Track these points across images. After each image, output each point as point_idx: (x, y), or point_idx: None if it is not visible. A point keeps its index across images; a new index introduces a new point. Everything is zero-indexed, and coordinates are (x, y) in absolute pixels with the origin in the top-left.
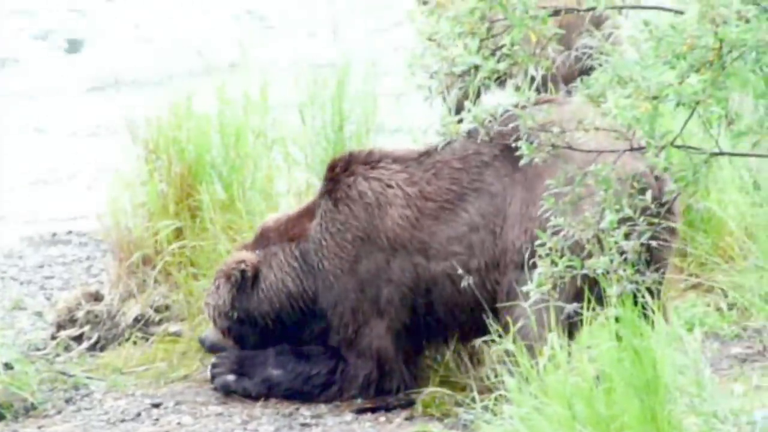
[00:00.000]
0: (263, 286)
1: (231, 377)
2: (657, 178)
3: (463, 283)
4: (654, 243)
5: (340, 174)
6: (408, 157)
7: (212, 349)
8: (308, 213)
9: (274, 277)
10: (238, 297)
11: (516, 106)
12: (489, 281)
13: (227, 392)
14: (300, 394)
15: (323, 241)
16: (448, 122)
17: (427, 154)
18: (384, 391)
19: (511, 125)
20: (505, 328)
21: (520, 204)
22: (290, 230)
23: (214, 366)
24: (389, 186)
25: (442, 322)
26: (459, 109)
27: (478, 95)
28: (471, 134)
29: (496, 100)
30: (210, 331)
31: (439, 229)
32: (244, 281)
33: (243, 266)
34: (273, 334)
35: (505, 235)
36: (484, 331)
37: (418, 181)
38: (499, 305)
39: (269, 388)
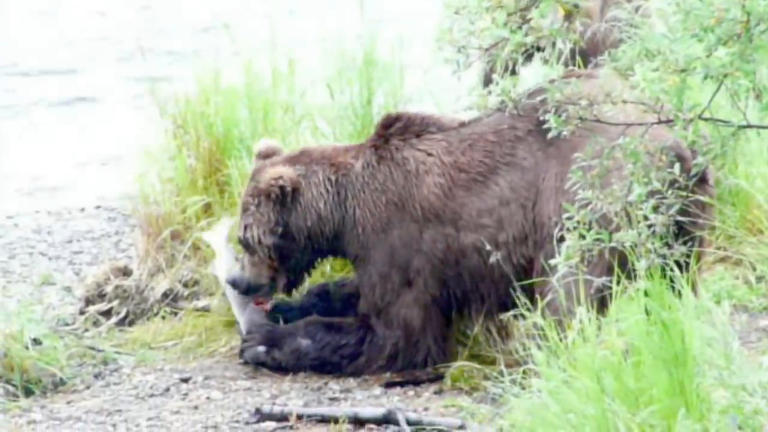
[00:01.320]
0: (301, 201)
1: (261, 348)
2: (692, 149)
3: (492, 259)
4: (683, 218)
5: (392, 135)
6: (450, 125)
7: (251, 288)
8: (354, 152)
9: (311, 195)
10: (281, 212)
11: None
12: (516, 255)
13: (257, 363)
14: (328, 364)
15: (360, 192)
16: (477, 95)
17: (467, 124)
18: (411, 364)
19: (543, 98)
20: (536, 303)
21: (555, 178)
22: (334, 157)
23: (244, 340)
24: (430, 154)
25: (470, 295)
26: (487, 82)
27: (513, 68)
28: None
29: (533, 73)
30: (246, 270)
31: (470, 201)
32: (284, 196)
33: (281, 182)
34: (311, 254)
35: (540, 210)
36: (512, 305)
37: (454, 150)
38: (530, 280)
39: (298, 358)
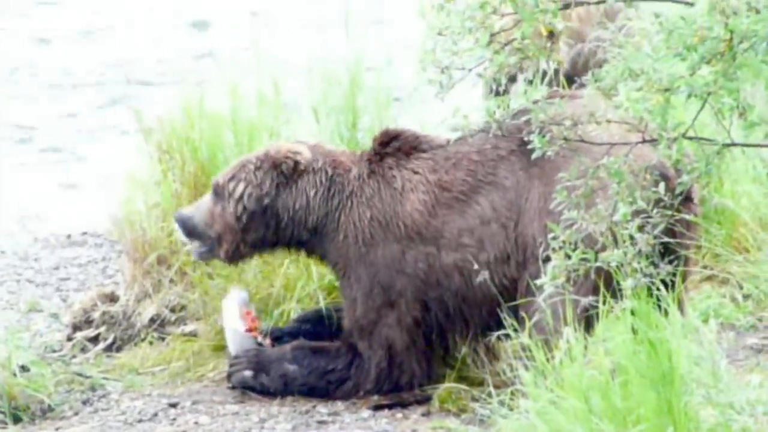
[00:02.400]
0: (299, 183)
1: (248, 373)
2: (677, 168)
3: (479, 279)
4: (668, 237)
5: (388, 153)
6: (438, 143)
7: (190, 231)
8: (355, 159)
9: (307, 180)
10: (278, 185)
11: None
12: (498, 275)
13: (245, 388)
14: (316, 389)
15: (347, 200)
16: (462, 116)
17: (453, 143)
18: (398, 386)
19: (526, 119)
20: (521, 323)
21: (538, 198)
22: (337, 156)
23: (231, 364)
24: (416, 173)
25: (453, 317)
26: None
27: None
28: (488, 129)
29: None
30: (198, 212)
31: (452, 219)
32: (294, 171)
33: (298, 157)
34: (274, 237)
35: (523, 230)
36: (496, 326)
37: (439, 169)
38: (515, 300)
39: (286, 383)
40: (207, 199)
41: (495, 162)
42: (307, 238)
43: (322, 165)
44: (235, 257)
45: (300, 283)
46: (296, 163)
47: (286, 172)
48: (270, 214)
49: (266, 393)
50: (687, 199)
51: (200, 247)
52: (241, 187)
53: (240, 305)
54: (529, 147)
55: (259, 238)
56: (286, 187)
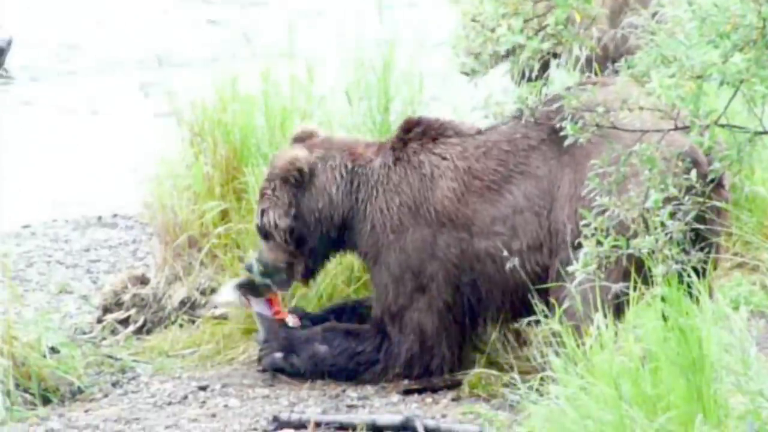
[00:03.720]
0: (316, 183)
1: (279, 355)
2: (708, 155)
3: (508, 265)
4: (700, 224)
5: (411, 138)
6: (467, 131)
7: (267, 271)
8: (375, 149)
9: (325, 178)
10: (295, 194)
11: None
12: (530, 263)
13: (275, 370)
14: (345, 370)
15: (373, 189)
16: (494, 103)
17: (483, 132)
18: (428, 370)
19: (556, 106)
20: (552, 309)
21: (569, 185)
22: (354, 148)
23: (262, 348)
24: (444, 158)
25: (485, 301)
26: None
27: (530, 76)
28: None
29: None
30: (264, 254)
31: (483, 208)
32: (302, 178)
33: (298, 164)
34: (324, 242)
35: (555, 217)
36: (527, 311)
37: (469, 156)
38: (545, 286)
39: (315, 364)
40: (261, 242)
41: (526, 152)
42: (339, 232)
43: (340, 160)
44: (310, 274)
45: (342, 266)
46: (300, 170)
47: (295, 181)
48: (303, 223)
49: (296, 374)
50: (718, 185)
51: (279, 280)
52: (271, 214)
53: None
54: (561, 134)
55: (315, 248)
56: (304, 192)
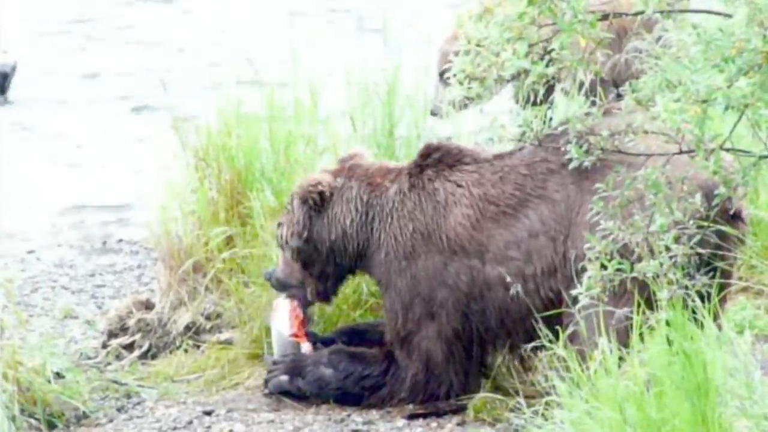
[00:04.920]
0: (329, 213)
1: (284, 377)
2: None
3: (512, 291)
4: (706, 248)
5: (428, 165)
6: (484, 158)
7: (279, 285)
8: (394, 175)
9: (339, 210)
10: (311, 218)
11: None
12: (544, 288)
13: (281, 393)
14: (350, 394)
15: (388, 216)
16: (498, 126)
17: (500, 156)
18: (433, 396)
19: (562, 130)
20: (558, 335)
21: (589, 213)
22: (373, 177)
23: (269, 370)
24: (459, 186)
25: (495, 330)
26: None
27: (535, 100)
28: (542, 141)
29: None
30: (279, 267)
31: (498, 233)
32: (323, 202)
33: (320, 188)
34: (334, 268)
35: (573, 244)
36: (535, 338)
37: (485, 183)
38: (554, 312)
39: (321, 387)
40: (280, 252)
41: (545, 175)
42: (352, 262)
43: (357, 192)
44: (324, 296)
45: (349, 289)
46: (321, 193)
47: (313, 206)
48: (312, 247)
49: (302, 397)
50: (735, 217)
51: (297, 296)
52: (284, 230)
53: (291, 310)
54: (566, 158)
55: (324, 273)
56: (318, 218)
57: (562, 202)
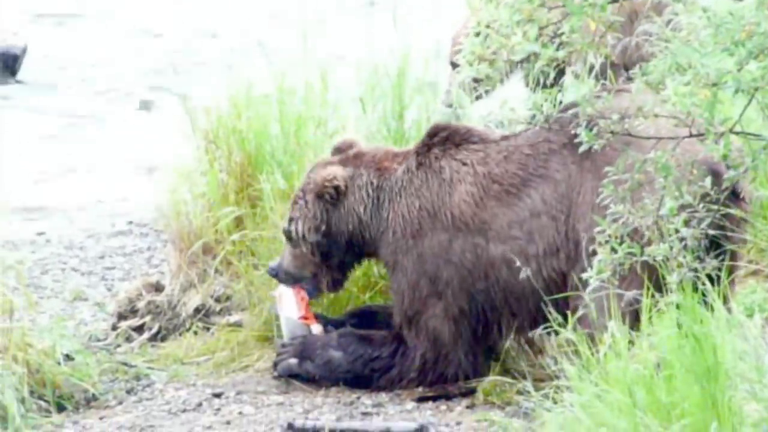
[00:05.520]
0: (345, 204)
1: (294, 360)
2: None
3: (522, 275)
4: (715, 231)
5: (435, 144)
6: (491, 138)
7: (290, 278)
8: (401, 157)
9: (353, 199)
10: (328, 211)
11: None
12: (547, 269)
13: (290, 376)
14: (360, 377)
15: (396, 196)
16: (508, 109)
17: (507, 137)
18: (442, 377)
19: (572, 112)
20: (568, 317)
21: (590, 192)
22: (381, 162)
23: (278, 353)
24: (464, 164)
25: (500, 309)
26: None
27: (545, 83)
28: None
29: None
30: (286, 260)
31: (501, 212)
32: (338, 195)
33: (336, 182)
34: (352, 256)
35: (575, 224)
36: (544, 320)
37: (490, 161)
38: (561, 295)
39: (330, 370)
40: (286, 246)
41: (547, 155)
42: (369, 246)
43: (367, 178)
44: (337, 284)
45: (359, 272)
46: (336, 188)
47: (329, 200)
48: (332, 240)
49: (311, 380)
50: (736, 196)
51: (307, 288)
52: (300, 225)
53: (296, 293)
54: (576, 141)
55: (341, 261)
56: (335, 210)
57: (563, 181)
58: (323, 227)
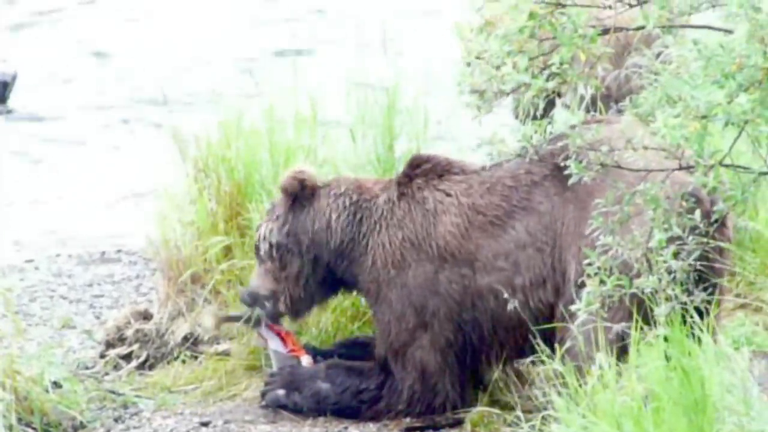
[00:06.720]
0: (315, 205)
1: (281, 392)
2: (710, 194)
3: (510, 306)
4: (702, 264)
5: (417, 175)
6: (472, 168)
7: (250, 298)
8: (382, 185)
9: (326, 203)
10: (292, 209)
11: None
12: (534, 300)
13: (277, 407)
14: (347, 408)
15: (377, 224)
16: (498, 141)
17: (487, 168)
18: (430, 408)
19: (560, 144)
20: (555, 349)
21: (574, 223)
22: (362, 184)
23: (266, 383)
24: (448, 195)
25: (487, 339)
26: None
27: (535, 114)
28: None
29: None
30: (251, 281)
31: (486, 243)
32: (303, 190)
33: (301, 176)
34: (314, 266)
35: (560, 254)
36: (531, 351)
37: (473, 193)
38: (549, 326)
39: (318, 402)
40: (256, 267)
41: (529, 187)
42: (333, 262)
43: (346, 190)
44: (295, 307)
45: (335, 300)
46: (302, 181)
47: (293, 192)
48: (294, 241)
49: (299, 411)
50: (721, 225)
51: (267, 311)
52: (263, 228)
53: (276, 330)
54: (566, 172)
55: (300, 272)
56: (302, 210)
57: (546, 213)
58: (286, 227)
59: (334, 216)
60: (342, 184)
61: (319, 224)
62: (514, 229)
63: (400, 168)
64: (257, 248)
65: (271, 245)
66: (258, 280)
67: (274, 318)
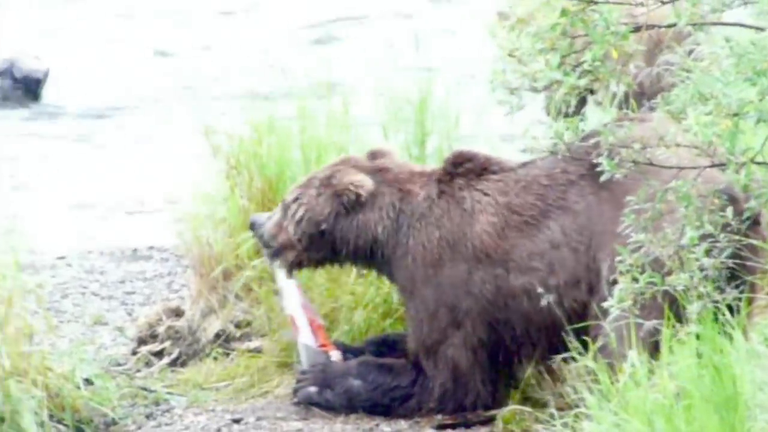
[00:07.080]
0: (360, 218)
1: (313, 389)
2: (743, 191)
3: (544, 301)
4: (734, 261)
5: (458, 173)
6: (509, 167)
7: (261, 241)
8: (424, 180)
9: (372, 216)
10: (337, 214)
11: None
12: (568, 299)
13: (309, 404)
14: (379, 405)
15: (417, 222)
16: (531, 137)
17: (524, 166)
18: (462, 406)
19: (592, 141)
20: (587, 346)
21: (609, 222)
22: (404, 183)
23: (298, 380)
24: (486, 194)
25: (520, 339)
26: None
27: (567, 111)
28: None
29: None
30: (268, 225)
31: (521, 243)
32: (355, 204)
33: (361, 191)
34: (336, 259)
35: (595, 254)
36: (564, 350)
37: (509, 191)
38: (582, 325)
39: (350, 399)
40: (278, 210)
41: (565, 186)
42: (371, 261)
43: (390, 199)
44: (294, 268)
45: (367, 296)
46: (358, 195)
47: (346, 204)
48: (327, 240)
49: (330, 409)
50: (754, 223)
51: (269, 252)
52: (301, 210)
53: (310, 321)
54: (598, 170)
55: (320, 257)
56: (347, 218)
57: (582, 212)
58: (324, 226)
59: (380, 229)
60: (385, 188)
61: (365, 238)
62: (549, 229)
63: (435, 162)
64: (286, 211)
65: (303, 231)
66: (274, 230)
67: (272, 260)
